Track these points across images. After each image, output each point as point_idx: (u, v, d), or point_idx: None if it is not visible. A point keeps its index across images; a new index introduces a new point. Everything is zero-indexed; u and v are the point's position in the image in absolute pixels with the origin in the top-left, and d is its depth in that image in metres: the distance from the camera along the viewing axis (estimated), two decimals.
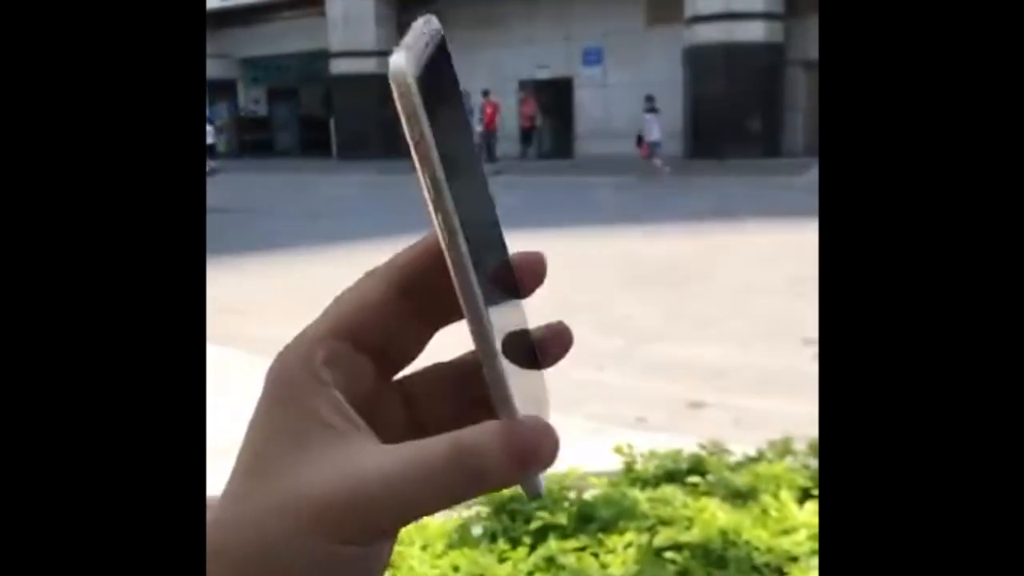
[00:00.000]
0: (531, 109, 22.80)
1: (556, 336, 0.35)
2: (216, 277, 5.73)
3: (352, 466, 0.30)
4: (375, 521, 0.30)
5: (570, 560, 2.26)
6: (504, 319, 0.31)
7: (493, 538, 2.42)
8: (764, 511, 2.43)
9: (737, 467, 2.81)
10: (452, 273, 0.29)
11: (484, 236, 0.31)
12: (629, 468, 2.86)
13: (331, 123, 26.43)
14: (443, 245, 0.29)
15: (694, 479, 2.71)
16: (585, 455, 2.78)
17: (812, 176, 13.03)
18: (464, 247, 0.29)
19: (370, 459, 0.31)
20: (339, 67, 25.55)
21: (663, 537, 2.30)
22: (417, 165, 0.28)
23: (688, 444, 3.02)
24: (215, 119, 26.42)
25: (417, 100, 0.27)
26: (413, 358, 0.35)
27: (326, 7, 25.58)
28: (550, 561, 2.26)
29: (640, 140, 18.15)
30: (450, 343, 0.39)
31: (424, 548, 2.33)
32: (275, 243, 10.26)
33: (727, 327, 6.00)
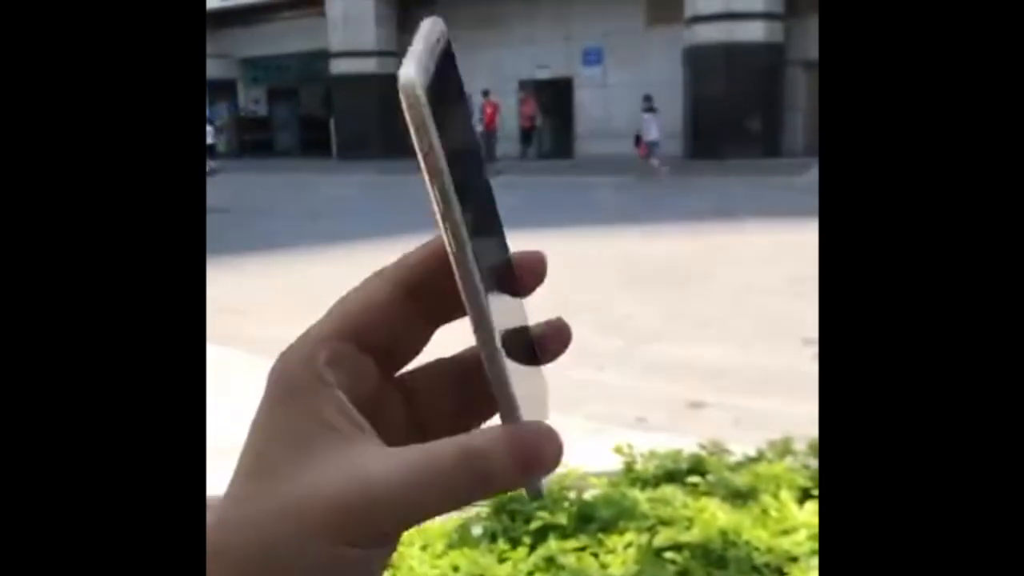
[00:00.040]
0: (531, 109, 22.81)
1: (556, 333, 0.35)
2: (216, 277, 5.73)
3: (357, 469, 0.30)
4: (380, 524, 0.30)
5: (570, 560, 2.26)
6: (505, 318, 0.31)
7: (493, 538, 2.42)
8: (764, 511, 2.43)
9: (737, 467, 2.81)
10: (459, 283, 0.29)
11: (488, 239, 0.31)
12: (629, 468, 2.86)
13: (331, 123, 26.45)
14: (450, 255, 0.29)
15: (694, 479, 2.71)
16: (585, 455, 2.78)
17: (812, 176, 13.03)
18: (472, 260, 0.29)
19: (375, 462, 0.31)
20: (339, 67, 25.56)
21: (663, 537, 2.30)
22: (425, 176, 0.28)
23: (688, 444, 3.02)
24: (215, 119, 26.44)
25: (427, 112, 0.28)
26: (415, 356, 0.35)
27: (326, 7, 25.58)
28: (550, 561, 2.27)
29: (638, 140, 18.17)
30: (450, 339, 0.39)
31: (424, 548, 2.33)
32: (275, 243, 10.26)
33: (727, 327, 6.00)
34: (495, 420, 0.32)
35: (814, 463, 2.77)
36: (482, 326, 0.30)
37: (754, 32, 19.36)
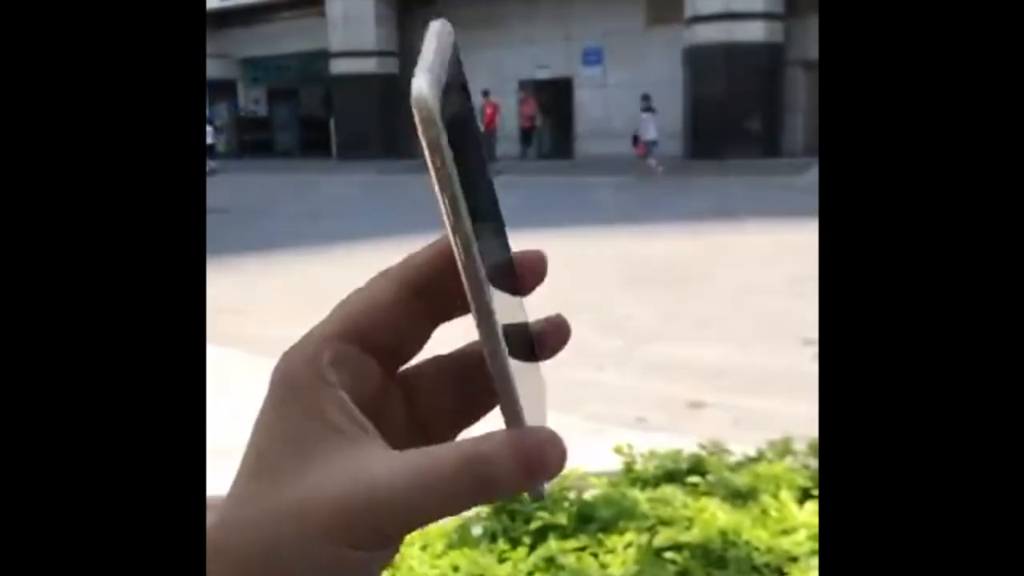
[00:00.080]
0: (531, 109, 22.81)
1: (555, 329, 0.35)
2: (216, 277, 5.74)
3: (361, 471, 0.31)
4: (383, 528, 0.31)
5: (570, 560, 2.26)
6: (507, 316, 0.32)
7: (493, 538, 2.42)
8: (764, 511, 2.43)
9: (737, 467, 2.81)
10: (468, 293, 0.30)
11: (492, 240, 0.32)
12: (629, 468, 2.86)
13: (331, 123, 26.45)
14: (459, 264, 0.29)
15: (694, 479, 2.71)
16: (585, 455, 2.78)
17: (812, 176, 13.04)
18: (481, 269, 0.29)
19: (379, 465, 0.31)
20: (339, 67, 25.56)
21: (663, 537, 2.30)
22: (436, 188, 0.28)
23: (688, 444, 3.01)
24: (215, 119, 26.43)
25: (440, 127, 0.28)
26: (416, 354, 0.35)
27: (326, 7, 25.58)
28: (550, 561, 2.26)
29: (636, 139, 18.18)
30: (447, 335, 0.39)
31: (424, 548, 2.33)
32: (275, 243, 10.26)
33: (727, 327, 6.00)
34: (495, 413, 0.33)
35: (814, 463, 2.77)
36: (490, 335, 0.30)
37: (754, 32, 19.36)
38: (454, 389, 0.36)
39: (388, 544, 0.32)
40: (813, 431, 2.46)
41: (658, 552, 2.27)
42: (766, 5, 19.41)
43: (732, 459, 2.89)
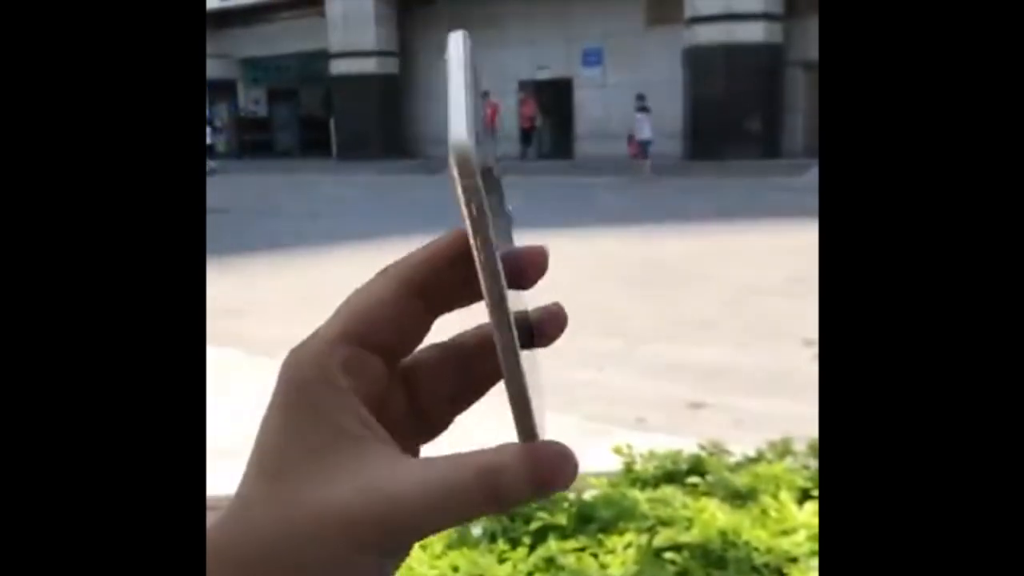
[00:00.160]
0: (531, 110, 22.81)
1: (552, 318, 0.36)
2: (216, 278, 5.74)
3: (377, 480, 0.31)
4: (398, 536, 0.32)
5: (570, 560, 2.26)
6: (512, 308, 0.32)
7: (493, 538, 2.42)
8: (764, 512, 2.43)
9: (737, 468, 2.81)
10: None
11: (502, 240, 0.32)
12: (629, 468, 2.86)
13: (331, 123, 26.45)
14: (486, 300, 0.30)
15: (694, 480, 2.71)
16: (585, 455, 2.77)
17: (812, 177, 13.04)
18: (507, 301, 0.30)
19: (395, 473, 0.31)
20: (339, 67, 25.57)
21: (663, 538, 2.30)
22: (469, 229, 0.29)
23: (688, 445, 3.02)
24: (214, 119, 26.44)
25: (478, 178, 0.28)
26: (416, 348, 0.36)
27: (326, 7, 25.59)
28: (550, 561, 2.26)
29: (631, 139, 18.20)
30: (441, 323, 0.39)
31: (423, 548, 2.33)
32: (275, 243, 10.26)
33: (727, 327, 6.00)
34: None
35: (814, 463, 2.77)
36: (510, 356, 0.31)
37: (754, 33, 19.37)
38: (454, 376, 0.36)
39: (400, 550, 0.32)
40: (813, 431, 2.46)
41: (658, 552, 2.27)
42: (766, 6, 19.42)
43: (732, 460, 2.89)
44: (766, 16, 19.46)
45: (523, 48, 23.27)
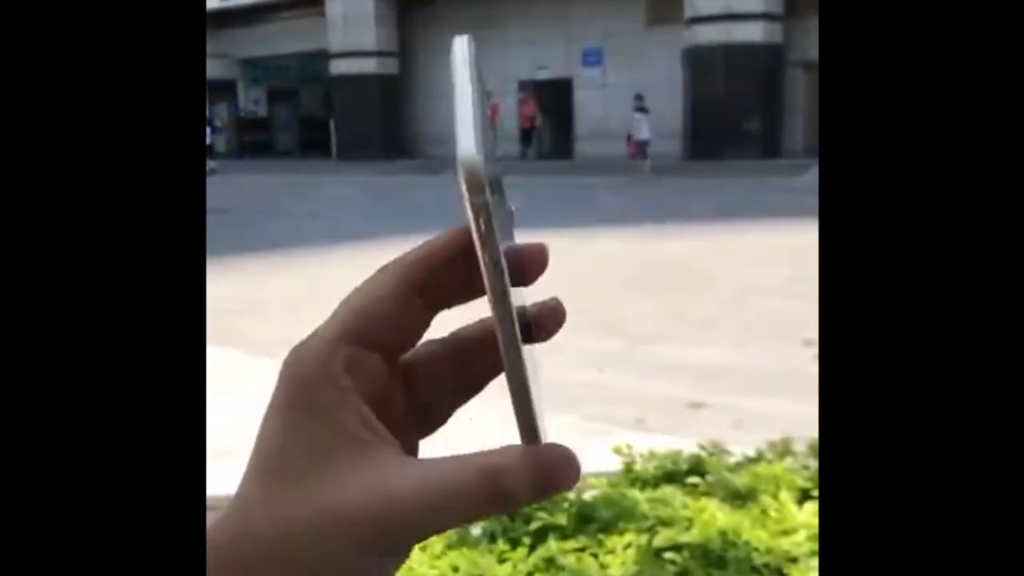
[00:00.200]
0: (531, 110, 22.82)
1: (551, 313, 0.36)
2: (216, 278, 5.74)
3: (380, 481, 0.31)
4: (401, 537, 0.32)
5: (570, 561, 2.26)
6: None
7: (492, 538, 2.42)
8: (764, 512, 2.43)
9: (737, 468, 2.81)
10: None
11: (504, 239, 0.32)
12: (628, 469, 2.86)
13: (331, 123, 26.45)
14: (493, 313, 0.30)
15: (694, 480, 2.71)
16: (585, 455, 2.77)
17: (812, 177, 13.04)
18: (514, 310, 0.30)
19: (397, 475, 0.32)
20: (339, 67, 25.57)
21: (663, 538, 2.30)
22: (477, 246, 0.29)
23: (688, 445, 3.02)
24: (214, 119, 26.43)
25: (487, 194, 0.29)
26: (415, 345, 0.36)
27: (326, 7, 25.59)
28: (550, 562, 2.26)
29: (629, 139, 18.20)
30: (440, 319, 0.40)
31: (423, 549, 2.33)
32: (275, 243, 10.26)
33: (727, 327, 6.00)
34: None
35: (814, 464, 2.77)
36: (509, 347, 0.31)
37: (754, 33, 19.37)
38: (454, 370, 0.36)
39: (402, 551, 0.33)
40: (813, 431, 2.46)
41: (658, 552, 2.27)
42: (766, 6, 19.42)
43: (732, 460, 2.89)
44: (766, 16, 19.46)
45: (523, 48, 23.28)
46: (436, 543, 2.35)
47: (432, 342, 0.36)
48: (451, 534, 2.42)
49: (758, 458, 2.87)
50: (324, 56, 25.87)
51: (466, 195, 0.28)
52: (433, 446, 0.37)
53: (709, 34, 19.47)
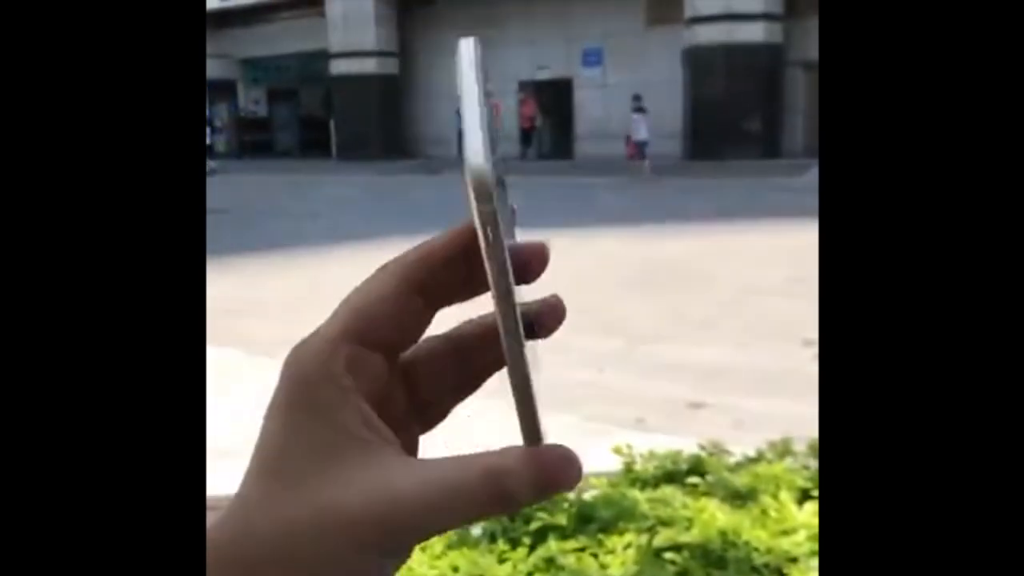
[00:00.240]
0: (531, 110, 22.81)
1: (551, 310, 0.36)
2: (216, 278, 5.74)
3: (383, 482, 0.31)
4: (403, 537, 0.32)
5: (570, 561, 2.26)
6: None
7: (492, 538, 2.42)
8: (764, 512, 2.43)
9: (737, 468, 2.81)
10: (502, 335, 0.31)
11: (507, 237, 0.32)
12: (628, 469, 2.86)
13: (331, 123, 26.45)
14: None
15: (694, 480, 2.71)
16: (585, 455, 2.77)
17: (812, 177, 13.04)
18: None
19: (399, 476, 0.32)
20: (339, 67, 25.57)
21: (663, 538, 2.30)
22: (484, 254, 0.30)
23: (688, 445, 3.02)
24: (214, 119, 26.43)
25: (495, 202, 0.29)
26: (415, 343, 0.36)
27: (326, 7, 25.59)
28: (550, 562, 2.26)
29: (627, 140, 18.20)
30: (439, 316, 0.40)
31: (423, 549, 2.33)
32: (275, 243, 10.26)
33: (727, 327, 6.00)
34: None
35: (814, 463, 2.77)
36: (512, 343, 0.31)
37: (754, 33, 19.37)
38: (455, 368, 0.36)
39: (404, 551, 0.33)
40: (813, 431, 2.46)
41: (658, 552, 2.27)
42: (766, 6, 19.42)
43: (732, 460, 2.89)
44: (766, 16, 19.46)
45: (523, 48, 23.27)
46: (436, 543, 2.35)
47: (432, 339, 0.36)
48: (451, 534, 2.42)
49: (758, 458, 2.87)
50: (324, 56, 25.87)
51: (474, 204, 0.29)
52: (432, 445, 0.37)
53: (709, 34, 19.46)
